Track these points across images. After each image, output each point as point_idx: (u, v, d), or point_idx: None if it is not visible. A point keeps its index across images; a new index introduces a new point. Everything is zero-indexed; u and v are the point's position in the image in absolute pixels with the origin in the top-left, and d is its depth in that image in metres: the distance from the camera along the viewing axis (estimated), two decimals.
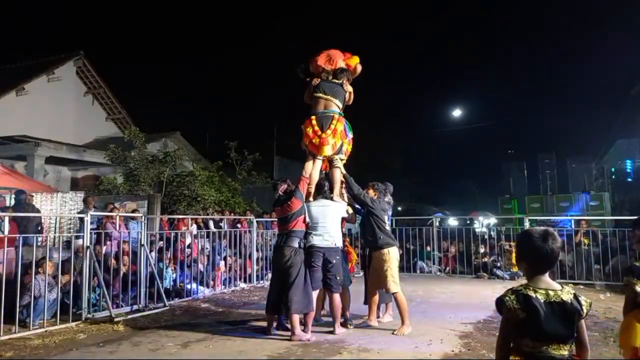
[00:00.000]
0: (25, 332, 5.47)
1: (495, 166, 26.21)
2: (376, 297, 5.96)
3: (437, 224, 12.63)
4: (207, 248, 8.98)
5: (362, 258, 7.04)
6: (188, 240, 8.91)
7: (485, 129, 29.07)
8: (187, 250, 8.61)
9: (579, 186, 20.59)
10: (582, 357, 2.16)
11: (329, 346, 5.01)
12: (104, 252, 6.78)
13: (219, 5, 48.47)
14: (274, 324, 5.65)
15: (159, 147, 15.12)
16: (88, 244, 6.30)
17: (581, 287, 9.07)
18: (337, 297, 5.52)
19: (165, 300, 7.08)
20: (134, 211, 9.29)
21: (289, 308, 5.22)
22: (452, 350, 4.87)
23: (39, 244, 7.01)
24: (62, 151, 15.12)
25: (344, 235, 6.31)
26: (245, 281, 9.36)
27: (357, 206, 6.28)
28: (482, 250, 11.29)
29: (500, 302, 2.12)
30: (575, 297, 2.12)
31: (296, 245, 5.41)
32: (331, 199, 5.79)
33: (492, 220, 16.98)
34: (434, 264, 11.72)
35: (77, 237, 7.07)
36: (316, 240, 5.53)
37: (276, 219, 6.27)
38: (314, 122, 5.88)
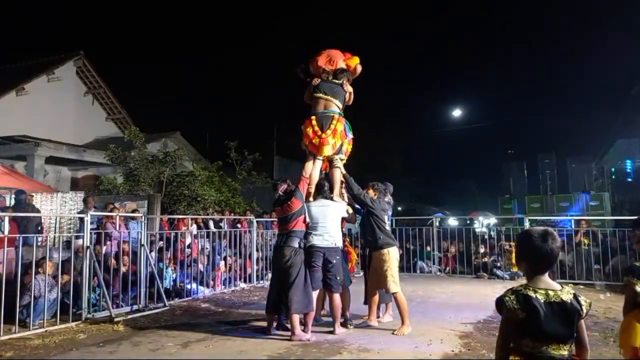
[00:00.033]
0: (25, 332, 5.47)
1: (495, 166, 26.27)
2: (376, 297, 5.96)
3: (437, 224, 12.63)
4: (207, 248, 8.98)
5: (362, 258, 7.04)
6: (188, 240, 8.91)
7: (485, 129, 29.13)
8: (187, 250, 8.61)
9: (579, 186, 20.60)
10: (582, 357, 2.16)
11: (329, 346, 5.01)
12: (104, 252, 6.78)
13: (219, 5, 48.54)
14: (274, 324, 5.65)
15: (159, 147, 15.11)
16: (88, 244, 6.30)
17: (581, 287, 9.07)
18: (337, 297, 5.52)
19: (165, 300, 7.08)
20: (134, 211, 9.30)
21: (289, 308, 5.22)
22: (452, 350, 4.87)
23: (39, 244, 7.01)
24: (62, 151, 15.12)
25: (344, 235, 6.30)
26: (245, 281, 9.36)
27: (357, 206, 6.28)
28: (482, 250, 11.29)
29: (500, 302, 2.12)
30: (575, 297, 2.12)
31: (296, 245, 5.41)
32: (331, 199, 5.79)
33: (492, 220, 16.97)
34: (434, 264, 11.72)
35: (77, 237, 7.08)
36: (316, 240, 5.53)
37: (276, 219, 6.27)
38: (314, 122, 5.88)
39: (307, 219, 5.58)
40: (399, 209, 22.17)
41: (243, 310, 7.03)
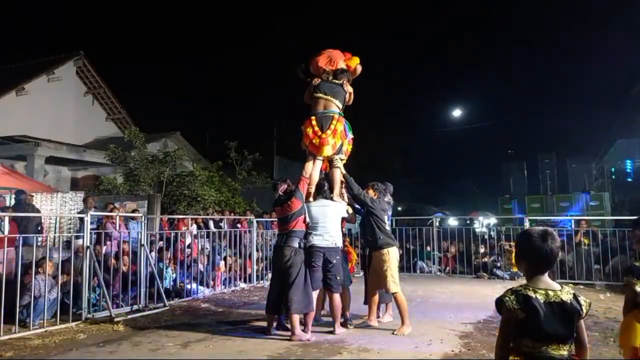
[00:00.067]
0: (25, 332, 5.47)
1: (495, 166, 26.20)
2: (376, 297, 5.96)
3: (437, 224, 12.63)
4: (207, 248, 8.99)
5: (362, 258, 7.05)
6: (188, 240, 8.91)
7: (485, 129, 29.11)
8: (187, 250, 8.61)
9: (579, 186, 20.57)
10: (582, 357, 2.16)
11: (329, 346, 5.01)
12: (104, 252, 6.78)
13: (219, 5, 48.54)
14: (274, 324, 5.65)
15: (159, 147, 15.11)
16: (88, 244, 6.30)
17: (581, 287, 9.07)
18: (337, 297, 5.53)
19: (165, 300, 7.08)
20: (134, 211, 9.29)
21: (289, 308, 5.22)
22: (452, 350, 4.87)
23: (39, 244, 7.01)
24: (62, 151, 15.12)
25: (344, 235, 6.31)
26: (245, 281, 9.36)
27: (357, 206, 6.28)
28: (482, 250, 11.30)
29: (500, 302, 2.12)
30: (575, 297, 2.12)
31: (296, 245, 5.41)
32: (331, 199, 5.79)
33: (492, 220, 16.97)
34: (434, 264, 11.72)
35: (77, 237, 7.08)
36: (316, 240, 5.53)
37: (276, 219, 6.27)
38: (314, 122, 5.88)
39: (307, 219, 5.59)
40: (399, 209, 22.17)
41: (243, 310, 7.03)
